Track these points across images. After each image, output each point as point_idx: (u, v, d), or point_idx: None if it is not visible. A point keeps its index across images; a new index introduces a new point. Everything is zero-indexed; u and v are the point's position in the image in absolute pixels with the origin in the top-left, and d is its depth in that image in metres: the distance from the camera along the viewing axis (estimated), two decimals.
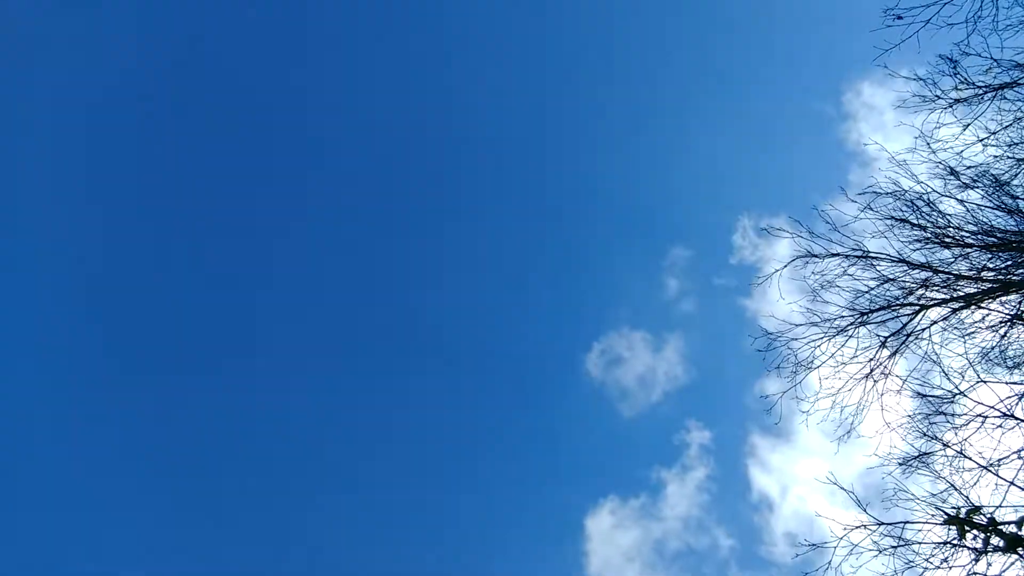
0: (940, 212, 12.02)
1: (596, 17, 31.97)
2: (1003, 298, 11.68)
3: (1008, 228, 11.57)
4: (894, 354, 12.39)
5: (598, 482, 29.06)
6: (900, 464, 10.88)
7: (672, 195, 32.33)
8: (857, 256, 12.49)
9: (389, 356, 31.64)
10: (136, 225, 30.48)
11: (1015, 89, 11.79)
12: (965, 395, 10.88)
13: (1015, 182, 11.74)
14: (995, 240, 11.55)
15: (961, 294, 11.82)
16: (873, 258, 12.40)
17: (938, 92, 11.95)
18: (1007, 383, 11.03)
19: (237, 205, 31.69)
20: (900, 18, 11.13)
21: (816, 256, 12.68)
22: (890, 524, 10.05)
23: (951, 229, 11.88)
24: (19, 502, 26.19)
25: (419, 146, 32.30)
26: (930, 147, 12.03)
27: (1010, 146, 11.93)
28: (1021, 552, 8.87)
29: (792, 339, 12.96)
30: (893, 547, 9.91)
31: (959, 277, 11.75)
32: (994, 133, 12.00)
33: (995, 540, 8.98)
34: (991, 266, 11.68)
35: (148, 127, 30.81)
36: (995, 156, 11.94)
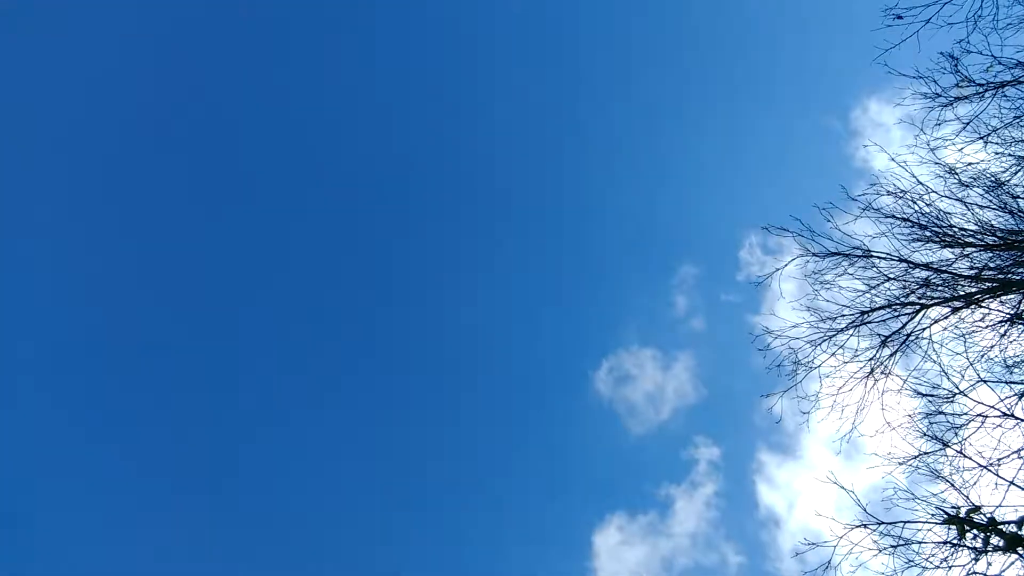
0: (940, 211, 12.00)
1: (607, 37, 32.20)
2: (1003, 297, 11.67)
3: (1008, 227, 11.55)
4: (894, 353, 12.39)
5: (606, 498, 29.27)
6: (900, 464, 10.89)
7: (680, 213, 32.51)
8: (858, 255, 12.48)
9: (398, 371, 31.92)
10: (137, 228, 30.59)
11: (1016, 87, 11.75)
12: (965, 394, 10.89)
13: (1015, 181, 11.72)
14: (995, 239, 11.53)
15: (961, 293, 11.80)
16: (874, 257, 12.39)
17: (939, 90, 11.93)
18: (1007, 382, 11.04)
19: (247, 211, 31.88)
20: (900, 18, 11.12)
21: (817, 255, 12.68)
22: (890, 523, 10.09)
23: (951, 228, 11.86)
24: (18, 503, 26.38)
25: (430, 164, 32.56)
26: (930, 146, 12.01)
27: (1010, 144, 11.90)
28: (1021, 552, 8.89)
29: (793, 338, 12.99)
30: (893, 546, 9.95)
31: (959, 276, 11.73)
32: (995, 131, 11.97)
33: (995, 540, 9.01)
34: (991, 265, 11.65)
35: (150, 131, 30.85)
36: (995, 154, 11.91)
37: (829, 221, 12.53)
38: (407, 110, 32.46)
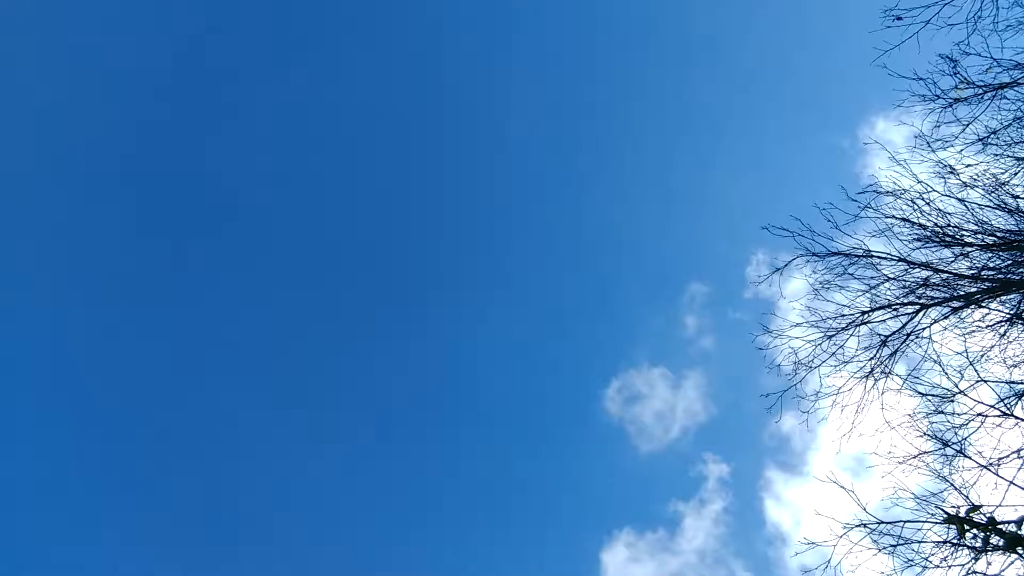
0: (940, 211, 12.02)
1: (613, 57, 32.40)
2: (1003, 297, 11.69)
3: (1008, 227, 11.57)
4: (894, 353, 12.42)
5: (614, 515, 29.40)
6: (900, 463, 10.92)
7: (688, 231, 32.66)
8: (858, 255, 12.51)
9: (408, 389, 32.14)
10: (135, 228, 30.66)
11: (1015, 88, 11.77)
12: (965, 394, 10.91)
13: (1015, 181, 11.74)
14: (995, 239, 11.55)
15: (961, 293, 11.83)
16: (874, 257, 12.42)
17: (938, 92, 11.95)
18: (1007, 382, 11.07)
19: (248, 214, 31.98)
20: (900, 19, 11.14)
21: (817, 255, 12.71)
22: (889, 523, 10.10)
23: (951, 228, 11.88)
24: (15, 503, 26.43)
25: (439, 184, 32.79)
26: (931, 147, 12.02)
27: (1010, 145, 11.92)
28: (1021, 551, 8.91)
29: (793, 338, 13.02)
30: (892, 546, 9.97)
31: (959, 276, 11.76)
32: (995, 132, 11.99)
33: (995, 539, 9.02)
34: (991, 265, 11.67)
35: (152, 133, 30.90)
36: (995, 156, 11.93)
37: (829, 220, 12.56)
38: (415, 130, 32.73)
